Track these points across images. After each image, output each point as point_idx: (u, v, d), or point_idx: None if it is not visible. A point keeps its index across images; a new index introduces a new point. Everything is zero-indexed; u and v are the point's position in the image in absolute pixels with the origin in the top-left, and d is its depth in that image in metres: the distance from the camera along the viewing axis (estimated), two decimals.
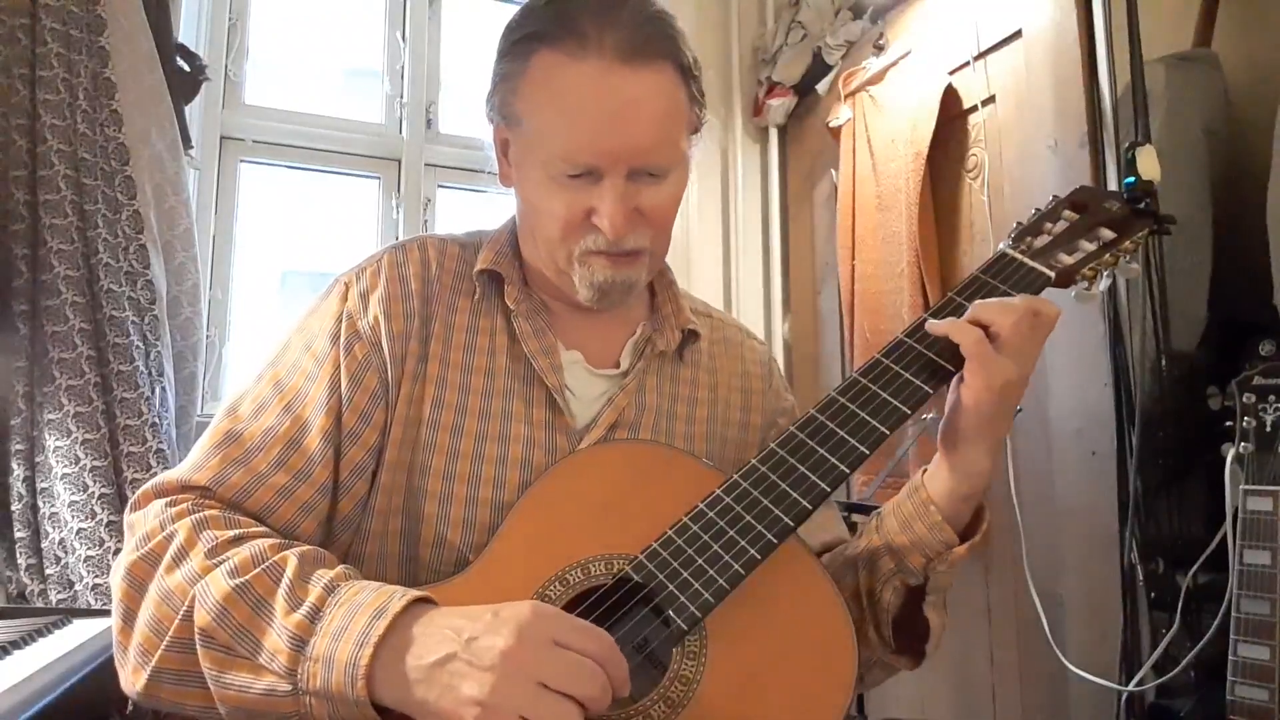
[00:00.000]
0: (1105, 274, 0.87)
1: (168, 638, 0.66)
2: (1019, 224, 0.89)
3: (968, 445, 0.77)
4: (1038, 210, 0.90)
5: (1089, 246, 0.85)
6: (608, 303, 0.85)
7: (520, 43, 0.80)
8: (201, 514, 0.72)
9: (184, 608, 0.66)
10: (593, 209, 0.80)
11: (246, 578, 0.66)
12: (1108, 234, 0.86)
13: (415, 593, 0.66)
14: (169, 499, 0.74)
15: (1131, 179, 0.93)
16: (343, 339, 0.82)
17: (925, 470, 0.82)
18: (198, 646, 0.65)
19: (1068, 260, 0.84)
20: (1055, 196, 0.91)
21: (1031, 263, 0.84)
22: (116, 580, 0.71)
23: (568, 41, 0.77)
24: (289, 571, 0.67)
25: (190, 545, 0.69)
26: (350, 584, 0.67)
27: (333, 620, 0.64)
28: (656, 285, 0.96)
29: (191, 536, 0.70)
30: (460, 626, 0.62)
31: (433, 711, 0.60)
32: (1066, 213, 0.88)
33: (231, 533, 0.71)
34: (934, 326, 0.77)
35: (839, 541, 0.94)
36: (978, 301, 0.77)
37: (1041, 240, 0.86)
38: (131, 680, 0.68)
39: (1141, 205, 0.90)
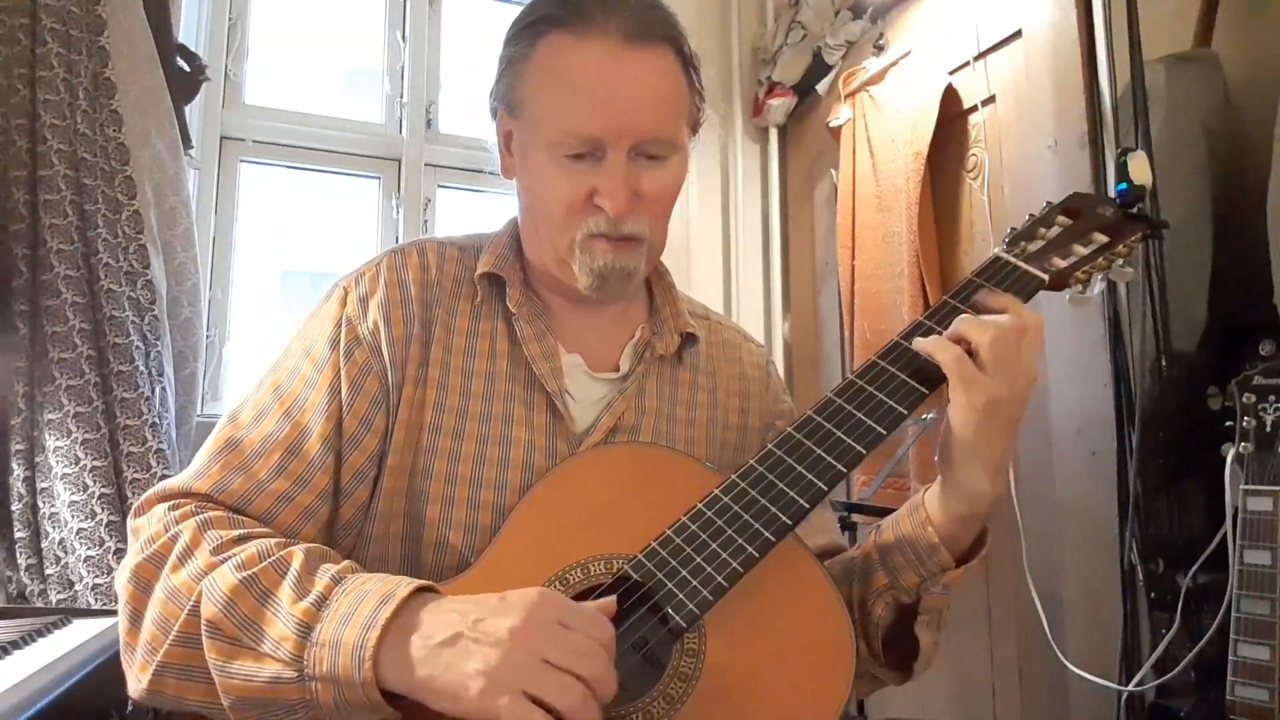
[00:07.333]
0: (1099, 277, 0.87)
1: (174, 633, 0.66)
2: (1013, 229, 0.90)
3: (963, 466, 0.75)
4: (1032, 216, 0.90)
5: (1082, 250, 0.85)
6: (607, 291, 0.85)
7: (527, 28, 0.83)
8: (206, 515, 0.73)
9: (190, 603, 0.66)
10: (595, 189, 0.81)
11: (253, 570, 0.67)
12: (1101, 238, 0.86)
13: (421, 581, 0.66)
14: (171, 503, 0.75)
15: (1124, 184, 0.93)
16: (343, 344, 0.82)
17: (927, 488, 0.80)
18: (204, 638, 0.65)
19: (1061, 264, 0.85)
20: (1049, 203, 0.92)
21: (1025, 266, 0.84)
22: (122, 583, 0.71)
23: (574, 23, 0.80)
24: (295, 565, 0.68)
25: (196, 544, 0.70)
26: (357, 575, 0.68)
27: (339, 607, 0.64)
28: (655, 288, 0.96)
29: (197, 536, 0.70)
30: (467, 610, 0.63)
31: (438, 687, 0.61)
32: (1060, 218, 0.89)
33: (236, 532, 0.71)
34: (919, 345, 0.76)
35: (835, 546, 0.94)
36: (960, 318, 0.76)
37: (1036, 244, 0.87)
38: (137, 678, 0.68)
39: (1134, 210, 0.90)
